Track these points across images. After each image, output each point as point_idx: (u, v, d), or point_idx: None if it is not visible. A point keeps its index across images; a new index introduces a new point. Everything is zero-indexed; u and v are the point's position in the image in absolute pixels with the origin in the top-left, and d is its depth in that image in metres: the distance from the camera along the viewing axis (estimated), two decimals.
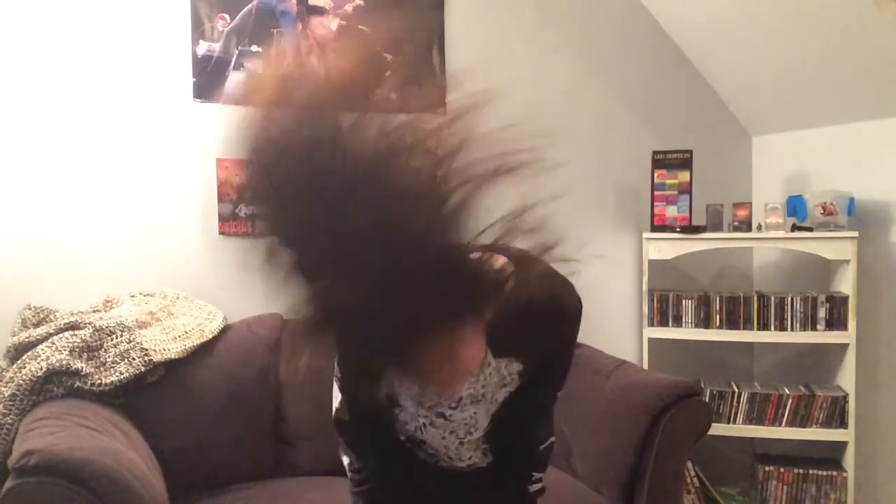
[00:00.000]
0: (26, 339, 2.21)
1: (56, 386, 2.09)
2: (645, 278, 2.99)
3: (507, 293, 1.00)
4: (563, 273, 1.15)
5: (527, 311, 1.12)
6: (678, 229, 2.95)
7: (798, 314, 2.82)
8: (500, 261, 1.04)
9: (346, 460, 1.46)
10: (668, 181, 2.98)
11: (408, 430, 1.38)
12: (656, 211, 3.00)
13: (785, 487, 2.84)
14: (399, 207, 0.79)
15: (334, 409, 1.42)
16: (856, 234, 2.72)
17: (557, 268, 1.10)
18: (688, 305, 2.93)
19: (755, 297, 2.88)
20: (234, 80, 2.72)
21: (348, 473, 1.45)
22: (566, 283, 1.22)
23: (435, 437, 1.35)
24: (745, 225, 2.94)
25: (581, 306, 1.24)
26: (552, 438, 1.49)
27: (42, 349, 2.14)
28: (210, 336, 2.42)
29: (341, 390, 1.37)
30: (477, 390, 1.28)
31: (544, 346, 1.25)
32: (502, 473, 1.43)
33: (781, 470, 2.85)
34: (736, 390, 2.87)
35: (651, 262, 2.99)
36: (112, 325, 2.24)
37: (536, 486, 1.48)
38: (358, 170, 0.79)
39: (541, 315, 1.15)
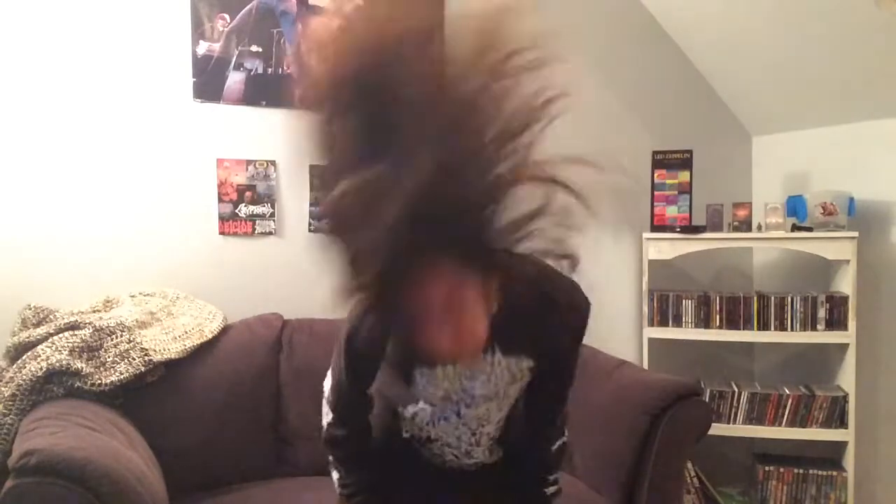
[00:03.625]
0: (26, 339, 2.21)
1: (56, 386, 2.09)
2: (645, 278, 2.99)
3: (512, 269, 1.05)
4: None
5: (536, 308, 1.14)
6: (678, 229, 2.95)
7: (798, 314, 2.82)
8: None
9: (335, 475, 1.45)
10: (668, 181, 2.98)
11: (417, 426, 1.38)
12: (656, 211, 3.00)
13: (785, 487, 2.84)
14: (472, 126, 0.88)
15: (325, 426, 1.42)
16: (856, 234, 2.72)
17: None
18: (688, 305, 2.93)
19: (755, 297, 2.88)
20: (233, 80, 2.72)
21: (338, 488, 1.44)
22: (574, 283, 1.25)
23: (447, 431, 1.35)
24: (745, 225, 2.94)
25: (589, 305, 1.27)
26: (564, 439, 1.49)
27: (42, 349, 2.14)
28: (210, 336, 2.41)
29: (339, 390, 1.37)
30: (489, 389, 1.29)
31: (554, 344, 1.27)
32: (512, 472, 1.43)
33: (781, 470, 2.85)
34: (736, 390, 2.87)
35: (651, 262, 2.99)
36: (112, 325, 2.24)
37: (552, 489, 1.48)
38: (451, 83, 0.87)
39: (551, 312, 1.18)
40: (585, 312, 1.26)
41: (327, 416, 1.41)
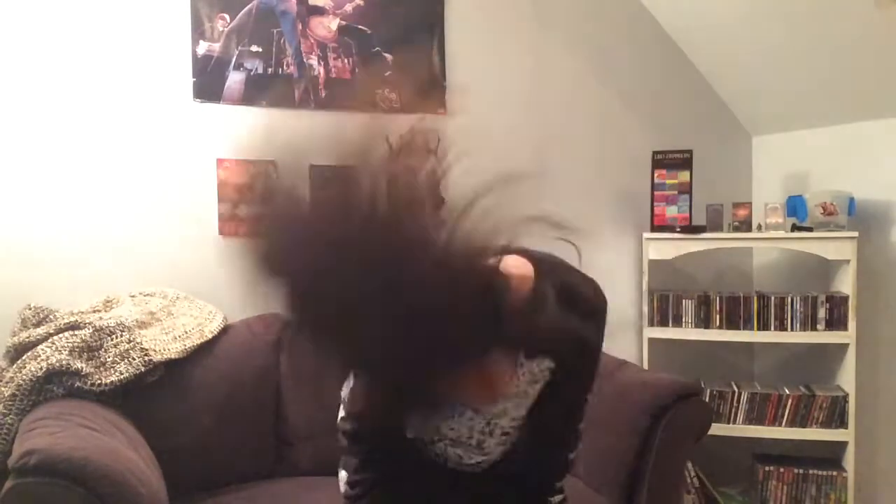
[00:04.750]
0: (26, 339, 2.21)
1: (56, 386, 2.09)
2: (645, 278, 2.99)
3: (531, 304, 1.01)
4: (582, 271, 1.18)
5: (557, 313, 1.14)
6: (678, 229, 2.95)
7: (798, 314, 2.82)
8: (518, 265, 1.05)
9: (342, 475, 1.44)
10: (668, 181, 2.98)
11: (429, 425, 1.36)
12: (656, 211, 3.00)
13: (785, 487, 2.84)
14: (404, 261, 0.77)
15: (339, 418, 1.41)
16: (856, 234, 2.71)
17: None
18: (688, 305, 2.93)
19: (755, 297, 2.88)
20: (233, 80, 2.72)
21: (343, 488, 1.43)
22: (592, 282, 1.25)
23: (461, 423, 1.35)
24: (745, 225, 2.93)
25: (606, 303, 1.27)
26: (573, 454, 1.49)
27: (42, 349, 2.14)
28: (210, 336, 2.42)
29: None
30: (510, 388, 1.29)
31: (576, 346, 1.27)
32: (522, 476, 1.42)
33: (781, 470, 2.84)
34: (736, 390, 2.87)
35: (651, 262, 2.99)
36: (112, 325, 2.24)
37: (558, 498, 1.47)
38: (362, 229, 0.78)
39: (575, 310, 1.19)
40: (604, 309, 1.27)
41: (342, 408, 1.40)
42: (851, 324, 2.73)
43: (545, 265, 1.12)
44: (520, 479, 1.43)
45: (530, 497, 1.45)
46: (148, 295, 2.53)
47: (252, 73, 2.74)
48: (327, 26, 2.83)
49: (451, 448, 1.40)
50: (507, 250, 0.98)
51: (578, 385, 1.38)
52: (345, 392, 1.41)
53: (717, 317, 2.91)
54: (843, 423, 2.74)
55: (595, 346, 1.35)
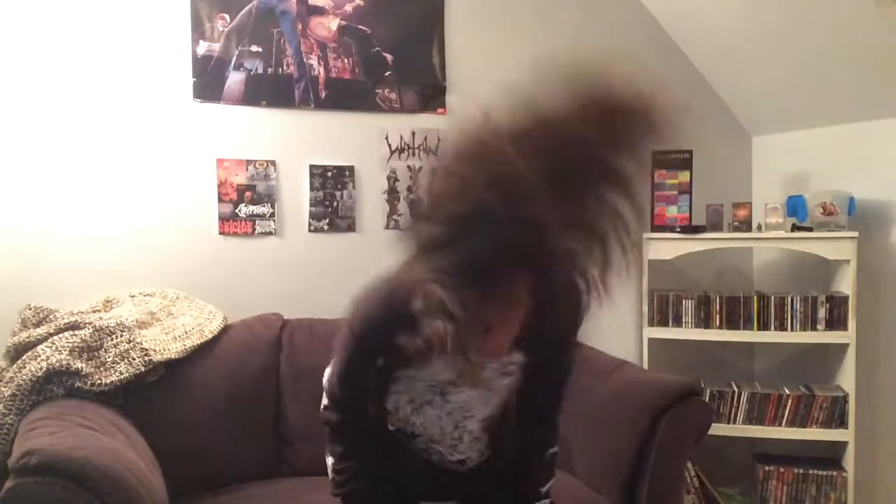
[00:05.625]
0: (26, 339, 2.21)
1: (56, 386, 2.09)
2: (645, 278, 2.99)
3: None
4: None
5: (544, 302, 1.15)
6: (678, 229, 2.95)
7: (798, 314, 2.82)
8: None
9: (329, 461, 1.45)
10: (668, 181, 2.98)
11: (401, 418, 1.38)
12: (656, 211, 3.00)
13: (785, 487, 2.84)
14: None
15: (322, 407, 1.42)
16: (856, 234, 2.71)
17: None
18: (688, 305, 2.93)
19: (755, 297, 2.88)
20: (233, 80, 2.72)
21: (330, 475, 1.44)
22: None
23: (431, 417, 1.36)
24: (745, 225, 2.94)
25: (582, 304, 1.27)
26: (555, 449, 1.49)
27: (42, 349, 2.14)
28: (210, 336, 2.42)
29: (342, 374, 1.36)
30: (481, 373, 1.29)
31: (548, 341, 1.27)
32: (502, 478, 1.42)
33: (781, 470, 2.85)
34: (736, 390, 2.87)
35: (651, 262, 2.99)
36: (112, 325, 2.24)
37: (544, 502, 1.48)
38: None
39: (554, 303, 1.20)
40: (585, 302, 1.27)
41: (324, 402, 1.41)
42: (851, 324, 2.73)
43: None
44: (504, 478, 1.43)
45: (516, 499, 1.45)
46: (148, 295, 2.53)
47: (252, 73, 2.74)
48: (327, 26, 2.83)
49: (432, 444, 1.41)
50: None
51: (548, 391, 1.39)
52: (326, 378, 1.41)
53: (717, 317, 2.91)
54: (843, 423, 2.74)
55: (573, 339, 1.36)
